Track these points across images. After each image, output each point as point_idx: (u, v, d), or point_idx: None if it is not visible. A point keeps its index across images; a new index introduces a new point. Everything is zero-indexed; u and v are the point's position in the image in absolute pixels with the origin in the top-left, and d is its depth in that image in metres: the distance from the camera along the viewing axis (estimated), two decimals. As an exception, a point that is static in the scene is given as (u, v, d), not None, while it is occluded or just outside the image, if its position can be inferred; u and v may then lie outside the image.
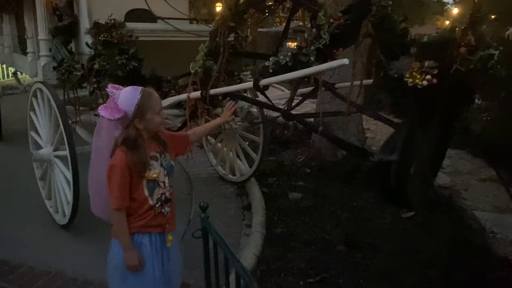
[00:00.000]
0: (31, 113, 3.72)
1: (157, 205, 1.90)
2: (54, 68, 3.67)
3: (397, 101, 1.92)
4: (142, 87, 1.90)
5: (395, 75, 1.74)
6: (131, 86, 1.91)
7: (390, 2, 2.02)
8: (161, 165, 1.92)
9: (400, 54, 1.91)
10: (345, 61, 1.77)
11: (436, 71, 1.66)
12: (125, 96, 1.85)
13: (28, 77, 5.70)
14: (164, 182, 1.93)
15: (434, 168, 2.05)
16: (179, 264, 2.06)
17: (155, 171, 1.89)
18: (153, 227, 1.92)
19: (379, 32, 1.99)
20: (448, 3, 33.91)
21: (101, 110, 1.82)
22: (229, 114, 2.37)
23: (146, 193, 1.88)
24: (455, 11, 29.76)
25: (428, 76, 1.66)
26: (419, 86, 1.66)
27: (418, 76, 1.66)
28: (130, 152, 1.82)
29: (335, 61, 1.85)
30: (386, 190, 2.19)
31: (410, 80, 1.68)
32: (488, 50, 1.72)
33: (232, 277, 1.95)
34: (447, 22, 28.07)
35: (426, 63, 1.67)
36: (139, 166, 1.83)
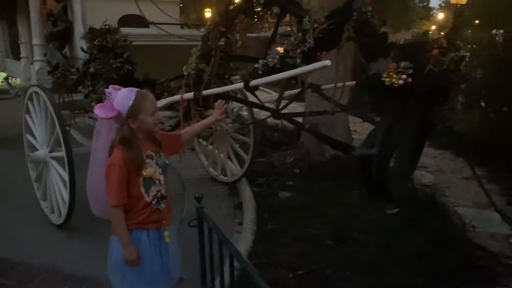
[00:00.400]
0: (27, 116, 3.77)
1: (153, 202, 1.97)
2: (49, 72, 3.72)
3: (377, 100, 2.06)
4: (138, 89, 1.97)
5: (374, 76, 1.88)
6: (127, 88, 1.97)
7: (370, 8, 2.16)
8: (157, 163, 2.00)
9: (380, 56, 2.05)
10: (327, 62, 1.89)
11: (411, 71, 1.81)
12: (121, 97, 1.92)
13: (18, 82, 5.73)
14: (159, 180, 2.00)
15: (412, 162, 2.19)
16: (177, 259, 2.12)
17: (151, 169, 1.96)
18: (150, 223, 1.99)
19: (360, 36, 2.13)
20: (434, 8, 34.55)
21: (97, 109, 1.90)
22: (219, 113, 2.43)
23: (142, 190, 1.95)
24: (441, 16, 30.27)
25: (404, 76, 1.81)
26: (395, 85, 1.80)
27: (395, 76, 1.81)
28: (127, 150, 1.89)
29: (318, 62, 1.98)
30: (369, 184, 2.31)
31: (387, 79, 1.82)
32: (459, 52, 1.87)
33: (226, 266, 2.06)
34: (434, 27, 28.54)
35: (402, 64, 1.82)
36: (135, 164, 1.90)
